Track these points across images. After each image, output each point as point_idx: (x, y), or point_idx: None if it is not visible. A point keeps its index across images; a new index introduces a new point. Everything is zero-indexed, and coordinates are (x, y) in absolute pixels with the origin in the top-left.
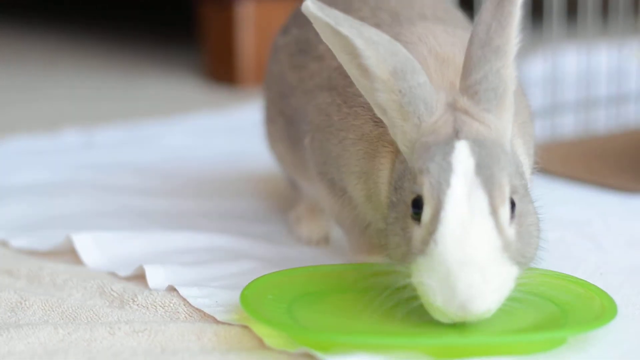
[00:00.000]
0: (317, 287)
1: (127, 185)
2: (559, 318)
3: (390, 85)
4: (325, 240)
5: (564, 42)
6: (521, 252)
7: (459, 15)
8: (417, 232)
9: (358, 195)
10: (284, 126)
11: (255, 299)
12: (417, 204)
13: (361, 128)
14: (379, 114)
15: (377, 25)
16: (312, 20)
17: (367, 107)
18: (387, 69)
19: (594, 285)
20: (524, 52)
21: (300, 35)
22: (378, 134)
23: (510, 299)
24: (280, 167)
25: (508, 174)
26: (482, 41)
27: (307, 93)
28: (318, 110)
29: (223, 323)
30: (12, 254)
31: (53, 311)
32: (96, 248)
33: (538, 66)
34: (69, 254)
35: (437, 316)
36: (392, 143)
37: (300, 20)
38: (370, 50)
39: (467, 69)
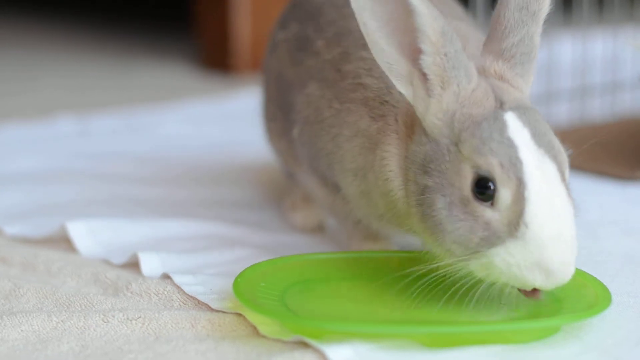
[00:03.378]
0: (311, 275)
1: (122, 173)
2: (553, 306)
3: (438, 47)
4: (319, 228)
5: (559, 30)
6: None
7: (454, 5)
8: (496, 215)
9: (352, 192)
10: (283, 121)
11: (248, 286)
12: (484, 185)
13: (356, 124)
14: (401, 87)
15: None
16: None
17: (360, 103)
18: (439, 28)
19: (588, 274)
20: None
21: (300, 32)
22: (377, 128)
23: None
24: (279, 161)
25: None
26: (519, 5)
27: (301, 86)
28: (307, 102)
29: (217, 311)
30: (6, 241)
31: (47, 299)
32: (90, 236)
33: None
34: (63, 241)
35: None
36: (398, 131)
37: (300, 15)
38: (424, 6)
39: (503, 32)
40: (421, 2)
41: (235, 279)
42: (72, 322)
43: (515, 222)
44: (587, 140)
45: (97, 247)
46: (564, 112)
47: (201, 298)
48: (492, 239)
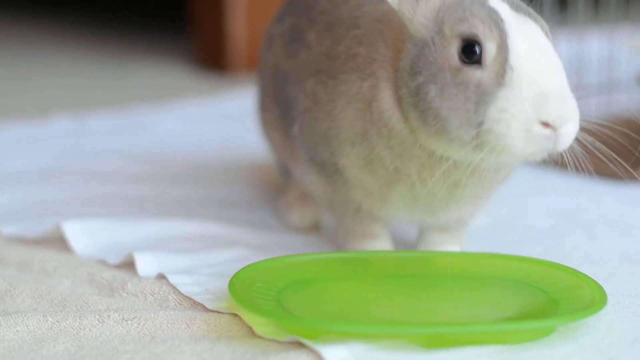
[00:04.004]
0: (307, 275)
1: (118, 172)
2: (548, 307)
3: None
4: (315, 227)
5: (554, 30)
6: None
7: None
8: (483, 73)
9: (354, 165)
10: (279, 114)
11: (243, 287)
12: (470, 48)
13: (349, 91)
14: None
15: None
16: None
17: (352, 71)
18: None
19: (584, 274)
20: None
21: (294, 25)
22: (368, 85)
23: (499, 287)
24: (273, 155)
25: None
26: None
27: (298, 83)
28: (305, 96)
29: (213, 311)
30: (2, 241)
31: (42, 299)
32: (86, 235)
33: None
34: (59, 241)
35: (522, 153)
36: (387, 63)
37: (295, 9)
38: None
39: None
40: None
41: (231, 279)
42: (67, 322)
43: (502, 70)
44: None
45: (93, 247)
46: None
47: (197, 298)
48: (485, 99)
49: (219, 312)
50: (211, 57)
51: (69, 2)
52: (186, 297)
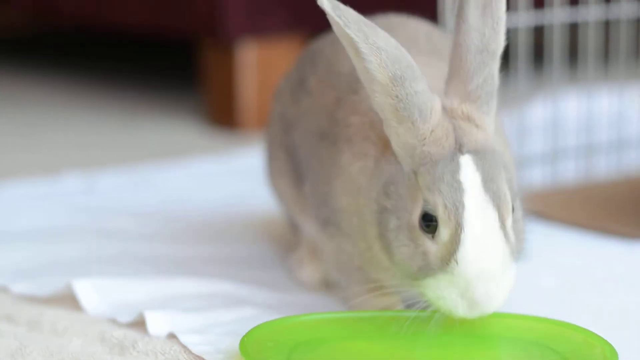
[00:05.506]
0: (318, 334)
1: (128, 230)
2: None
3: (388, 90)
4: (327, 284)
5: (564, 87)
6: (517, 249)
7: (431, 36)
8: (433, 248)
9: (349, 231)
10: (286, 162)
11: (255, 346)
12: (429, 219)
13: (340, 162)
14: (377, 111)
15: None
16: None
17: (345, 141)
18: (387, 74)
19: (593, 332)
20: (524, 97)
21: (299, 73)
22: (358, 168)
23: (510, 347)
24: (280, 207)
25: (507, 182)
26: (478, 48)
27: (306, 135)
28: (314, 158)
29: None
30: (12, 299)
31: (53, 357)
32: (96, 294)
33: (538, 111)
34: (69, 300)
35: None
36: (376, 159)
37: (302, 61)
38: (373, 55)
39: (467, 75)
40: (371, 50)
41: (242, 338)
42: None
43: (448, 259)
44: (593, 198)
45: (103, 306)
46: (570, 170)
47: (208, 358)
48: (426, 270)
49: None
50: (222, 114)
51: (79, 58)
52: (197, 356)
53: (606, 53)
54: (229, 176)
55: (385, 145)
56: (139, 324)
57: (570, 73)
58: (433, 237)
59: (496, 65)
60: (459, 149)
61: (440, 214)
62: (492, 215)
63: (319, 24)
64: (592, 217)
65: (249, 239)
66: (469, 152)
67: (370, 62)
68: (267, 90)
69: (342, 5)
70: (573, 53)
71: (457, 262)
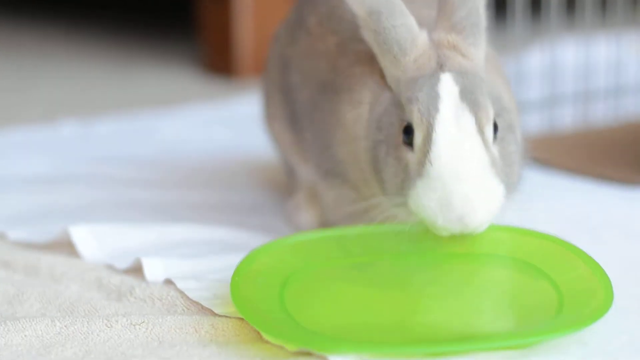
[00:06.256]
0: (305, 261)
1: (125, 177)
2: (555, 308)
3: (368, 24)
4: (324, 227)
5: (562, 34)
6: (505, 172)
7: None
8: (412, 157)
9: (354, 180)
10: (282, 103)
11: (246, 287)
12: (408, 131)
13: (338, 112)
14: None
15: None
16: None
17: (346, 91)
18: (364, 9)
19: (596, 262)
20: (522, 44)
21: (298, 13)
22: (352, 117)
23: (517, 271)
24: (277, 150)
25: (489, 98)
26: None
27: (305, 80)
28: (315, 109)
29: (221, 316)
30: (9, 246)
31: (50, 304)
32: (94, 240)
33: (536, 58)
34: (66, 246)
35: (438, 232)
36: (362, 101)
37: (300, 4)
38: None
39: (451, 7)
40: None
41: (232, 277)
42: (75, 327)
43: (423, 161)
44: (591, 144)
45: (101, 252)
46: (568, 116)
47: (204, 303)
48: (407, 181)
49: (226, 317)
50: (218, 61)
51: (76, 6)
52: (194, 302)
53: (603, 0)
54: (226, 123)
55: (380, 86)
56: (136, 270)
57: (567, 20)
58: (412, 148)
59: (480, 1)
60: (440, 68)
61: (415, 119)
62: (468, 119)
63: None
64: (590, 162)
65: (246, 185)
66: (450, 71)
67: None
68: (264, 37)
69: None
70: (570, 1)
71: (431, 163)
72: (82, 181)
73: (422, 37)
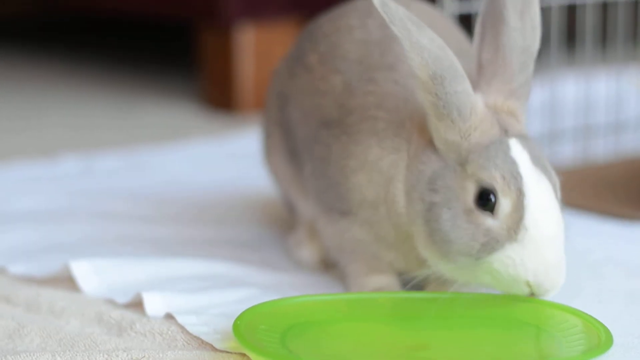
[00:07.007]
0: (312, 316)
1: (125, 212)
2: (556, 349)
3: (428, 87)
4: (325, 264)
5: (562, 70)
6: None
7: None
8: (496, 223)
9: (361, 221)
10: (281, 137)
11: (248, 329)
12: (486, 197)
13: (364, 155)
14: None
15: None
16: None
17: (369, 133)
18: (428, 73)
19: (590, 316)
20: None
21: (297, 50)
22: (390, 161)
23: (503, 327)
24: (276, 185)
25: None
26: (521, 48)
27: (305, 116)
28: (316, 144)
29: (221, 351)
30: (10, 280)
31: (51, 338)
32: (94, 275)
33: (536, 93)
34: (67, 281)
35: (515, 292)
36: (409, 156)
37: (301, 38)
38: (414, 53)
39: (512, 74)
40: (413, 48)
41: (235, 321)
42: None
43: (515, 227)
44: (591, 180)
45: (101, 287)
46: (568, 151)
47: (205, 338)
48: (492, 244)
49: (227, 352)
50: (219, 97)
51: (76, 41)
52: (194, 336)
53: (604, 35)
54: (226, 159)
55: (417, 142)
56: (137, 304)
57: (567, 55)
58: (492, 213)
59: (534, 64)
60: (506, 133)
61: (500, 186)
62: (546, 184)
63: (317, 7)
64: (590, 198)
65: (246, 220)
66: (514, 136)
67: (412, 60)
68: (264, 73)
69: (391, 2)
70: (571, 35)
71: (526, 228)
72: (82, 216)
73: (479, 103)
